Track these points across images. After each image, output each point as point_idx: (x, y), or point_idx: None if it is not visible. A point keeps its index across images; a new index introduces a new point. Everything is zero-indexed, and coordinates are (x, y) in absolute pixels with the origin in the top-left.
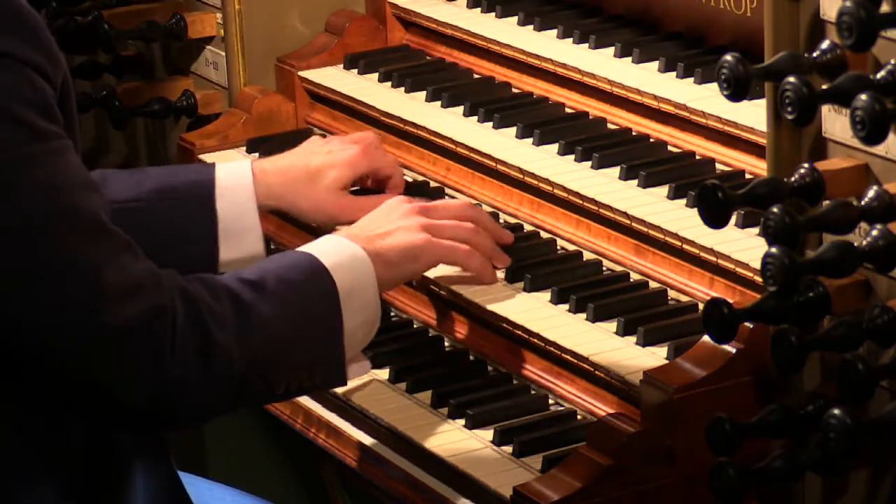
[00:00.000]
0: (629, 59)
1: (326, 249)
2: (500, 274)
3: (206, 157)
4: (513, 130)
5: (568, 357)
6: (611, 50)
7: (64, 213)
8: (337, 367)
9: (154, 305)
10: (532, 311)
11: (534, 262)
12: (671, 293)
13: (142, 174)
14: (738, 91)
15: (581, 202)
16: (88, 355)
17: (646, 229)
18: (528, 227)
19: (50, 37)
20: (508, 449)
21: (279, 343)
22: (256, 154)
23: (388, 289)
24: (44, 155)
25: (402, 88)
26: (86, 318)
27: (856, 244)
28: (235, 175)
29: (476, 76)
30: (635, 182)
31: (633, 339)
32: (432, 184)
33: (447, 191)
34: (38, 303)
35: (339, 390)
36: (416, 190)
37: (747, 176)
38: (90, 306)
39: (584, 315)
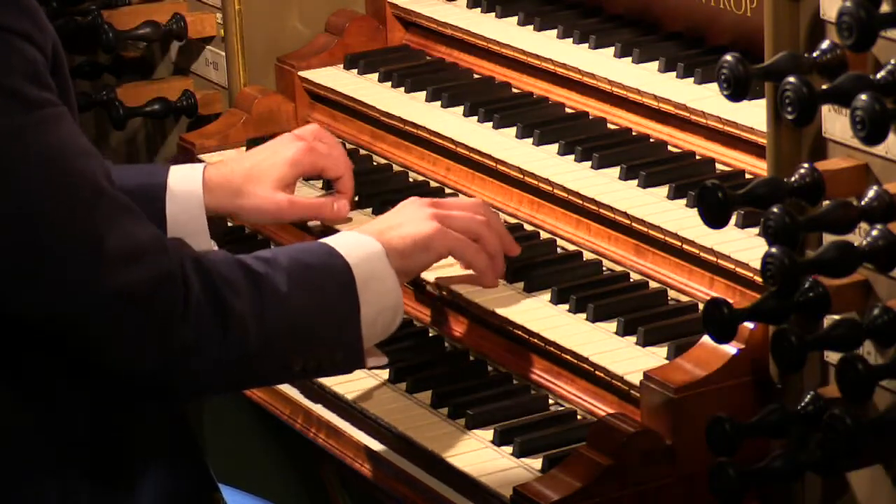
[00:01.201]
0: (629, 59)
1: (340, 241)
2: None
3: (207, 157)
4: (513, 130)
5: (568, 357)
6: (611, 50)
7: (62, 179)
8: (354, 351)
9: (161, 271)
10: (532, 311)
11: (534, 262)
12: (671, 293)
13: None
14: (738, 91)
15: (581, 202)
16: (95, 321)
17: (646, 229)
18: (528, 227)
19: (36, 4)
20: (508, 449)
21: (295, 319)
22: None
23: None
24: (38, 124)
25: (402, 88)
26: (90, 282)
27: (856, 244)
28: (186, 180)
29: (476, 76)
30: (635, 182)
31: (633, 339)
32: (432, 184)
33: (447, 191)
34: (40, 270)
35: (340, 390)
36: (417, 190)
37: (747, 176)
38: (93, 271)
39: (584, 315)
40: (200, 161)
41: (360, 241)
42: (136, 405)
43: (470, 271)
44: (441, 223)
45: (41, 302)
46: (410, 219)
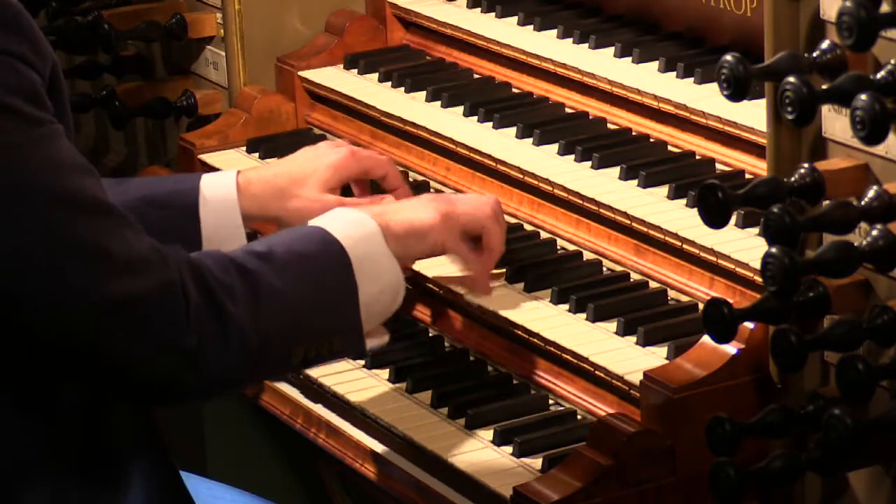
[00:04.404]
0: (629, 59)
1: (336, 221)
2: (501, 273)
3: (206, 157)
4: (513, 130)
5: (568, 357)
6: (611, 50)
7: (60, 192)
8: (355, 335)
9: (163, 279)
10: (532, 311)
11: (534, 262)
12: (671, 293)
13: (127, 183)
14: (738, 91)
15: (581, 202)
16: (98, 331)
17: (646, 229)
18: (528, 227)
19: (34, 26)
20: (508, 449)
21: (292, 312)
22: (256, 154)
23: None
24: (35, 140)
25: (402, 88)
26: (91, 294)
27: (856, 244)
28: (220, 186)
29: (476, 76)
30: (635, 182)
31: (633, 339)
32: (432, 184)
33: (447, 191)
34: (42, 283)
35: (340, 390)
36: (418, 190)
37: (747, 176)
38: (95, 283)
39: (584, 315)
40: (200, 160)
41: (356, 219)
42: (143, 405)
43: (465, 273)
44: (445, 217)
45: (43, 313)
46: (413, 207)
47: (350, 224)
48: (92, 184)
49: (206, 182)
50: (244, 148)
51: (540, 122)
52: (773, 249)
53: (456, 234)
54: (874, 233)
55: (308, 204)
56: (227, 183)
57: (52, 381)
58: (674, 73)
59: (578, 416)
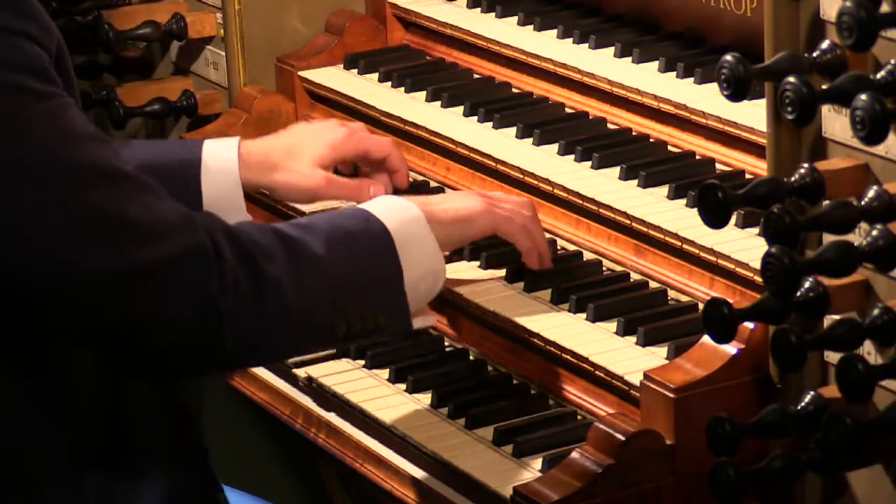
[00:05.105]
0: (629, 59)
1: (379, 206)
2: (501, 273)
3: None
4: (513, 130)
5: (568, 357)
6: (611, 50)
7: (73, 163)
8: (400, 314)
9: (191, 243)
10: (532, 310)
11: None
12: (671, 293)
13: (130, 146)
14: (738, 91)
15: (581, 202)
16: (131, 298)
17: (646, 229)
18: None
19: (39, 6)
20: (508, 449)
21: (334, 280)
22: None
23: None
24: (47, 113)
25: (402, 88)
26: (118, 261)
27: (856, 244)
28: (221, 155)
29: (476, 76)
30: (635, 182)
31: (633, 339)
32: (432, 184)
33: (447, 191)
34: (66, 256)
35: (340, 390)
36: (416, 190)
37: (747, 176)
38: (121, 250)
39: (584, 315)
40: None
41: (399, 206)
42: (180, 375)
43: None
44: (491, 204)
45: (65, 287)
46: (456, 197)
47: (393, 209)
48: (107, 152)
49: (209, 150)
50: None
51: (540, 122)
52: (773, 249)
53: (503, 216)
54: (874, 233)
55: (296, 177)
56: (229, 153)
57: (69, 365)
58: (674, 73)
59: (578, 416)
